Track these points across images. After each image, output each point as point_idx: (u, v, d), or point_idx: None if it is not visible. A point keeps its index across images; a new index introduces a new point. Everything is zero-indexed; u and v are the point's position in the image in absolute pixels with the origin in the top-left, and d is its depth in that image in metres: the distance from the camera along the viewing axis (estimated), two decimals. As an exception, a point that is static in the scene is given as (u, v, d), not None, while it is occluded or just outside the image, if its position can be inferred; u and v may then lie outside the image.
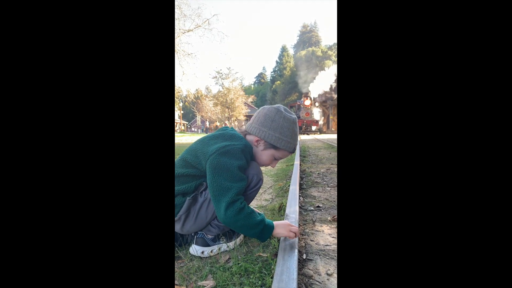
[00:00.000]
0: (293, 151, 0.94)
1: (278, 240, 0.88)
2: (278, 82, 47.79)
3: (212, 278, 0.72)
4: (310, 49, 46.11)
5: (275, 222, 0.83)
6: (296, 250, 0.77)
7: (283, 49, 52.36)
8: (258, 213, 0.82)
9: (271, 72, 56.30)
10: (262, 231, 0.79)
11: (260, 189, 1.78)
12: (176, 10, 9.22)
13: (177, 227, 0.86)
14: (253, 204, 1.44)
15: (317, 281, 0.73)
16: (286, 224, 0.84)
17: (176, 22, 9.42)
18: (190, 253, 0.87)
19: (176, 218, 0.84)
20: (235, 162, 0.80)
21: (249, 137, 0.92)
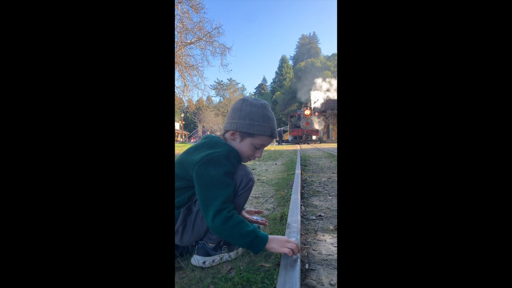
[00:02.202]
0: (272, 135, 0.89)
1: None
2: (278, 92, 48.29)
3: (214, 289, 0.71)
4: (309, 60, 46.79)
5: (270, 237, 0.80)
6: (299, 260, 0.76)
7: (283, 60, 53.18)
8: (250, 224, 0.79)
9: (271, 83, 56.99)
10: (252, 242, 0.77)
11: (262, 199, 1.77)
12: (178, 24, 9.43)
13: (176, 239, 0.86)
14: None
15: (320, 291, 0.72)
16: (283, 240, 0.80)
17: (178, 35, 9.63)
18: (191, 264, 0.86)
19: None
20: (220, 169, 0.81)
21: (226, 135, 0.92)
